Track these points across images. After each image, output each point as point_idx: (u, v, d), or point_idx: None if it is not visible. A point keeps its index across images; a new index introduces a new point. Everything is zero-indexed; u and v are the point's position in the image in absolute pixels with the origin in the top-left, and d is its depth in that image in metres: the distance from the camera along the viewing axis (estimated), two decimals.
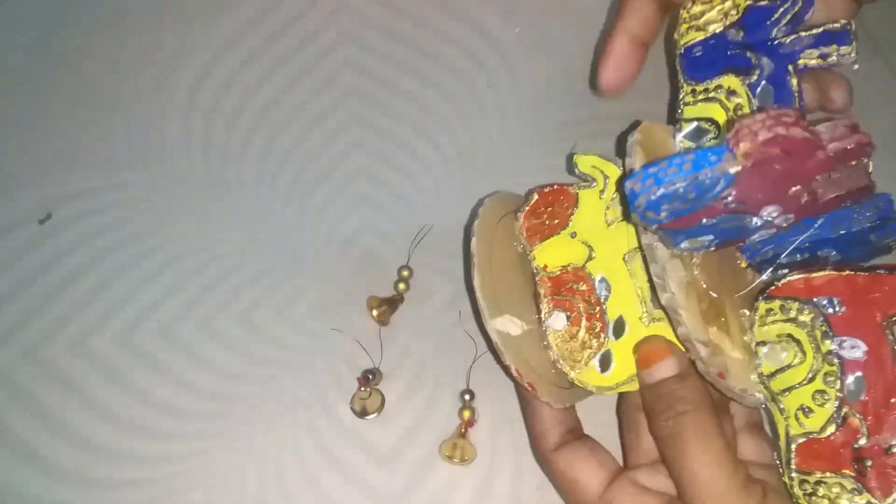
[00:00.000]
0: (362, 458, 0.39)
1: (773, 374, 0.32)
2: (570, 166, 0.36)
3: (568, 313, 0.34)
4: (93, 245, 0.44)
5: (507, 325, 0.33)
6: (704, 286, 0.32)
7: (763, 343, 0.33)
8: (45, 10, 0.50)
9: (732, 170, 0.27)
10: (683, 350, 0.32)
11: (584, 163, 0.35)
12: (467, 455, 0.38)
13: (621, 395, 0.36)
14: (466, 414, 0.39)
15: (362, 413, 0.40)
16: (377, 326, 0.41)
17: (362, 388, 0.40)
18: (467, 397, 0.39)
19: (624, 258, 0.34)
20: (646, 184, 0.28)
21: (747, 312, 0.33)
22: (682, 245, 0.31)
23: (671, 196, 0.28)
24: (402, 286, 0.42)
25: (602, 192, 0.35)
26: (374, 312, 0.41)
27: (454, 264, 0.43)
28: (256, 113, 0.47)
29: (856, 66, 0.34)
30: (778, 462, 0.32)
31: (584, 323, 0.34)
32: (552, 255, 0.35)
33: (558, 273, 0.35)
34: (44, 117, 0.47)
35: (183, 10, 0.50)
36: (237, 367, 0.41)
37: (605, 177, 0.35)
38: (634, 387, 0.33)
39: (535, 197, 0.36)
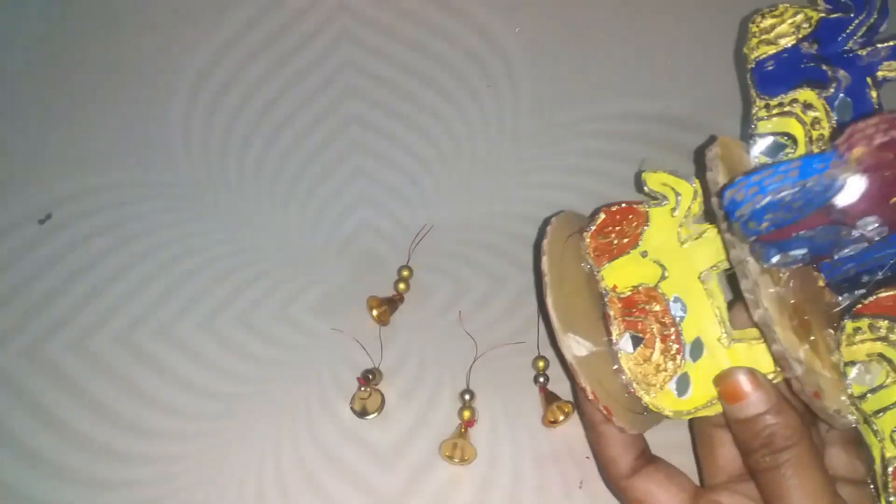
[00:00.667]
0: (362, 457, 0.39)
1: (863, 395, 0.31)
2: (639, 183, 0.34)
3: (640, 335, 0.33)
4: (93, 245, 0.44)
5: (580, 347, 0.32)
6: (793, 303, 0.30)
7: (852, 363, 0.31)
8: (45, 10, 0.50)
9: (843, 176, 0.26)
10: (772, 371, 0.31)
11: (654, 180, 0.34)
12: (467, 455, 0.38)
13: None
14: (466, 414, 0.39)
15: (362, 413, 0.40)
16: (377, 326, 0.41)
17: (362, 388, 0.40)
18: (467, 397, 0.39)
19: (699, 277, 0.33)
20: (748, 192, 0.27)
21: (832, 332, 0.32)
22: (774, 260, 0.30)
23: (776, 205, 0.27)
24: (402, 286, 0.42)
25: (674, 210, 0.34)
26: (374, 312, 0.41)
27: (454, 264, 0.43)
28: (256, 113, 0.47)
29: None
30: (871, 484, 0.32)
31: (658, 345, 0.32)
32: (622, 275, 0.34)
33: (629, 293, 0.33)
34: (44, 117, 0.47)
35: (183, 10, 0.50)
36: (237, 367, 0.41)
37: (678, 195, 0.34)
38: (713, 411, 0.32)
39: (602, 216, 0.35)
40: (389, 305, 0.41)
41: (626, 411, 0.32)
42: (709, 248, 0.33)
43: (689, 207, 0.33)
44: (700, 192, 0.33)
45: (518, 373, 0.40)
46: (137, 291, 0.43)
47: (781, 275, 0.31)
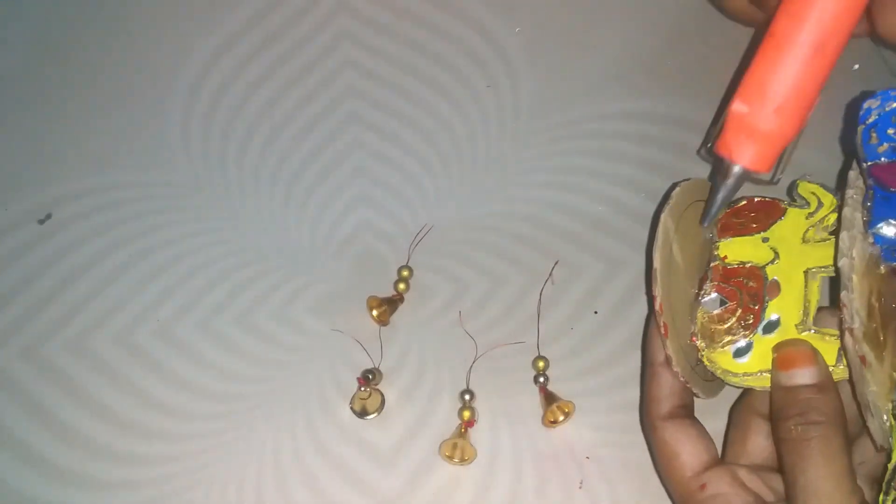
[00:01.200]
0: (362, 457, 0.39)
1: None
2: (790, 189, 0.37)
3: (727, 300, 0.35)
4: (93, 245, 0.44)
5: (669, 260, 0.34)
6: (877, 303, 0.32)
7: None
8: (44, 10, 0.50)
9: None
10: (832, 365, 0.32)
11: (805, 188, 0.37)
12: (467, 455, 0.38)
13: (739, 397, 0.36)
14: (466, 414, 0.39)
15: (362, 413, 0.39)
16: (377, 326, 0.41)
17: (362, 388, 0.40)
18: (467, 397, 0.39)
19: (806, 272, 0.35)
20: (884, 101, 0.28)
21: None
22: (881, 227, 0.31)
23: None
24: (402, 286, 0.42)
25: (811, 214, 0.36)
26: (374, 312, 0.41)
27: (454, 264, 0.43)
28: (256, 113, 0.47)
29: None
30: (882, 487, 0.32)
31: (738, 313, 0.34)
32: (737, 250, 0.36)
33: (735, 266, 0.36)
34: (43, 117, 0.47)
35: (183, 10, 0.50)
36: (237, 367, 0.41)
37: (819, 204, 0.36)
38: (759, 383, 0.33)
39: (744, 202, 0.38)
40: (389, 305, 0.41)
41: (679, 349, 0.34)
42: (825, 252, 0.35)
43: (826, 217, 0.36)
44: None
45: (518, 373, 0.40)
46: (137, 291, 0.43)
47: (882, 268, 0.32)
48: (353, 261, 0.43)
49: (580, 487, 0.38)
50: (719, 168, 0.32)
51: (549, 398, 0.39)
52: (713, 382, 0.36)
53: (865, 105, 0.29)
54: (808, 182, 0.37)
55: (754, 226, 0.37)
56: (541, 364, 0.40)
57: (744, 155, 0.30)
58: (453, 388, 0.40)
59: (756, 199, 0.37)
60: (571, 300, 0.42)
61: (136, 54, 0.49)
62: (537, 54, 0.48)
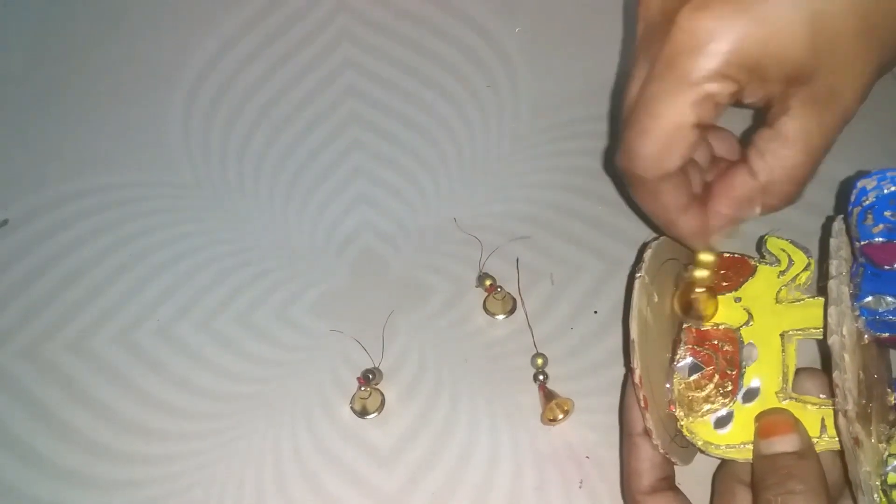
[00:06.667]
0: (362, 457, 0.39)
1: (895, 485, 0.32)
2: (759, 245, 0.36)
3: (702, 366, 0.34)
4: (93, 245, 0.44)
5: (645, 328, 0.33)
6: (864, 375, 0.31)
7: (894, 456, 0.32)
8: (45, 10, 0.50)
9: None
10: (816, 437, 0.32)
11: (774, 245, 0.36)
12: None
13: (721, 464, 0.35)
14: (539, 361, 0.39)
15: (362, 413, 0.40)
16: (377, 326, 0.41)
17: (362, 388, 0.40)
18: (539, 361, 0.39)
19: (781, 335, 0.34)
20: (881, 182, 0.28)
21: (887, 428, 0.33)
22: (867, 299, 0.31)
23: None
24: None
25: (783, 272, 0.35)
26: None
27: (454, 264, 0.43)
28: (256, 113, 0.47)
29: None
30: None
31: (715, 379, 0.34)
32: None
33: (708, 328, 0.35)
34: (43, 117, 0.47)
35: (183, 10, 0.50)
36: (237, 367, 0.41)
37: (791, 261, 0.35)
38: (742, 455, 0.33)
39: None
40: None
41: (659, 420, 0.33)
42: (801, 314, 0.34)
43: (798, 276, 0.35)
44: (814, 266, 0.35)
45: (518, 372, 0.40)
46: (137, 291, 0.43)
47: (865, 338, 0.32)
48: (353, 261, 0.43)
49: (580, 487, 0.38)
50: None
51: (548, 396, 0.39)
52: (688, 449, 0.35)
53: (860, 185, 0.29)
54: (777, 238, 0.36)
55: (725, 284, 0.36)
56: (539, 361, 0.40)
57: None
58: (453, 388, 0.40)
59: (726, 255, 0.36)
60: (571, 300, 0.42)
61: (137, 54, 0.49)
62: (537, 54, 0.48)
